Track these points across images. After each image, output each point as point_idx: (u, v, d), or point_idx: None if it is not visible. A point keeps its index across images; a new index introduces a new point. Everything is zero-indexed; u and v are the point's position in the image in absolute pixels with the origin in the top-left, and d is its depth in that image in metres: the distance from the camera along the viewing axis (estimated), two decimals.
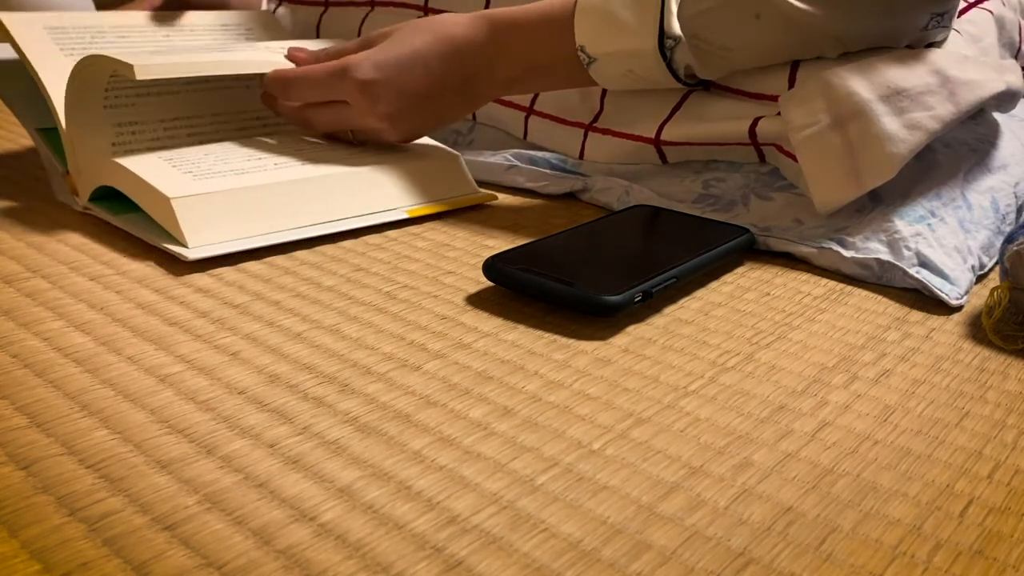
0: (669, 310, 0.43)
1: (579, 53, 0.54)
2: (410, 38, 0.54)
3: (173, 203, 0.46)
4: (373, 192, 0.53)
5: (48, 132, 0.57)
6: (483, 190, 0.59)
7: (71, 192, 0.54)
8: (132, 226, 0.49)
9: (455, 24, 0.55)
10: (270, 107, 0.59)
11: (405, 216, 0.53)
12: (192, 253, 0.45)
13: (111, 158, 0.50)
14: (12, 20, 0.56)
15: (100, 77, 0.51)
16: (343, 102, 0.55)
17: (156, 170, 0.48)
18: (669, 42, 0.51)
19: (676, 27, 0.51)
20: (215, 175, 0.49)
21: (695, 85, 0.56)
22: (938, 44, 0.53)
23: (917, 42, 0.51)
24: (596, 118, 0.61)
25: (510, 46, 0.54)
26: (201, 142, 0.58)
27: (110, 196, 0.51)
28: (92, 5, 0.98)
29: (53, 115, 0.53)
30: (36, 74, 0.54)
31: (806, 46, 0.50)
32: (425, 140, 0.61)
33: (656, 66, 0.53)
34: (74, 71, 0.50)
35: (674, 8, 0.51)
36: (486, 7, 0.66)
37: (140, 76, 0.48)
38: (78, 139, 0.51)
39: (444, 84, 0.55)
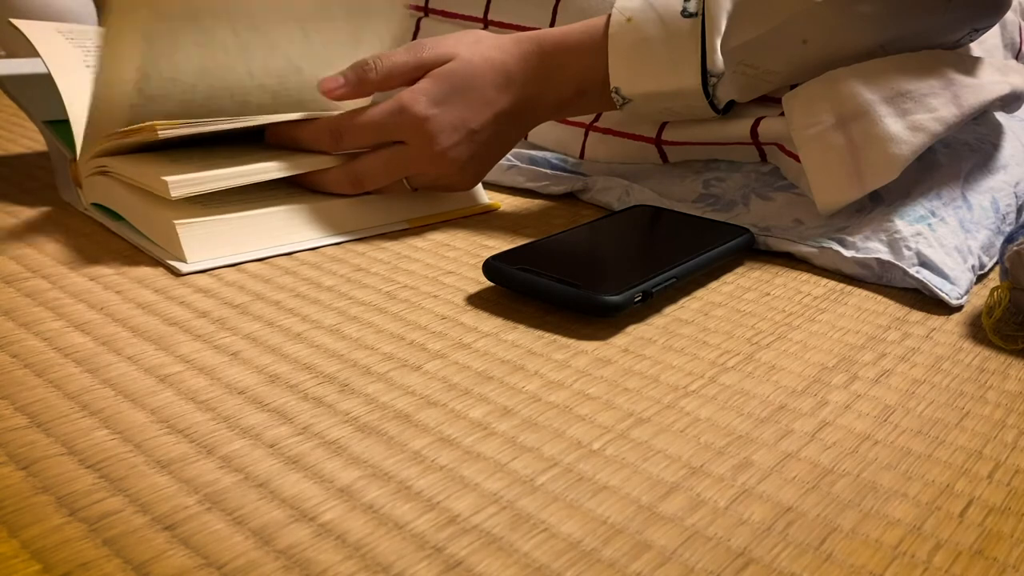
0: (669, 310, 0.43)
1: (613, 95, 0.53)
2: (462, 68, 0.51)
3: (178, 228, 0.46)
4: (380, 211, 0.53)
5: (55, 124, 0.57)
6: (487, 200, 0.59)
7: (75, 183, 0.54)
8: (131, 234, 0.49)
9: (503, 51, 0.52)
10: (310, 185, 0.53)
11: (405, 227, 0.53)
12: (187, 267, 0.45)
13: (116, 184, 0.50)
14: (25, 24, 0.56)
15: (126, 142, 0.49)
16: (397, 145, 0.51)
17: (160, 198, 0.48)
18: (712, 80, 0.51)
19: (720, 63, 0.50)
20: (222, 203, 0.49)
21: (726, 109, 0.55)
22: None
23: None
24: (597, 117, 0.61)
25: (561, 70, 0.52)
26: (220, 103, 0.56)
27: None
28: (93, 8, 0.98)
29: (63, 101, 0.52)
30: (45, 61, 0.54)
31: (848, 61, 0.50)
32: None
33: (697, 103, 0.52)
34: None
35: (717, 43, 0.50)
36: (486, 7, 0.66)
37: (175, 195, 0.45)
38: (88, 148, 0.51)
39: (501, 115, 0.52)
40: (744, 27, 0.49)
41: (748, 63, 0.50)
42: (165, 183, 0.45)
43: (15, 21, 0.56)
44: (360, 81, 0.51)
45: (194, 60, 0.51)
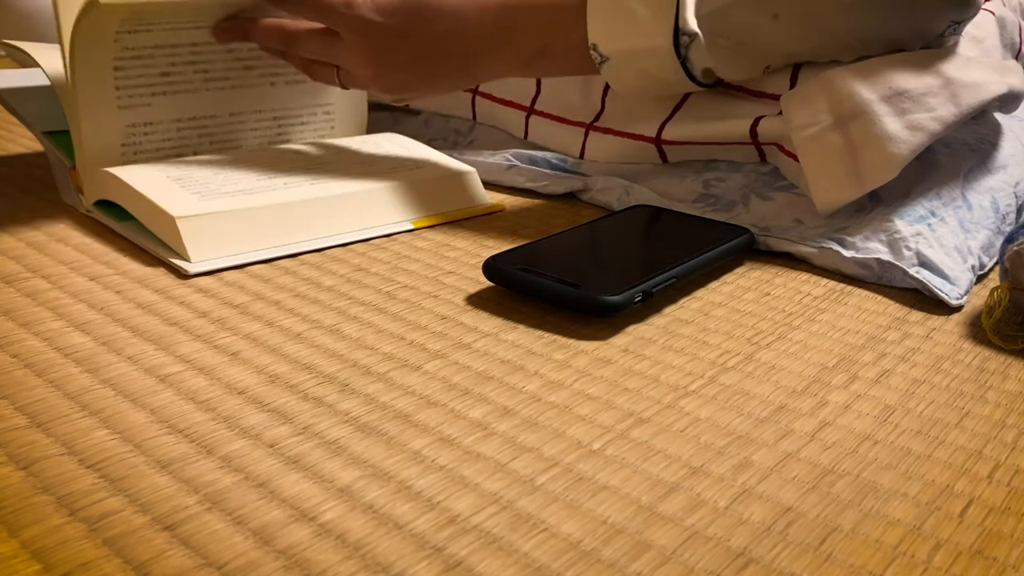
0: (669, 310, 0.43)
1: (591, 51, 0.53)
2: None
3: (179, 223, 0.46)
4: (383, 209, 0.53)
5: (55, 134, 0.58)
6: (491, 201, 0.59)
7: (76, 189, 0.54)
8: (135, 234, 0.49)
9: None
10: (241, 32, 0.56)
11: (410, 227, 0.53)
12: (193, 267, 0.45)
13: (118, 170, 0.50)
14: (24, 44, 0.57)
15: (105, 43, 0.51)
16: (335, 35, 0.54)
17: (162, 189, 0.48)
18: (684, 39, 0.50)
19: (692, 23, 0.50)
20: (223, 195, 0.49)
21: (710, 86, 0.55)
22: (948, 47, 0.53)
23: (930, 47, 0.51)
24: (597, 117, 0.61)
25: (520, 30, 0.53)
26: (212, 143, 0.57)
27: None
28: None
29: (65, 110, 0.53)
30: (44, 71, 0.54)
31: (824, 48, 0.50)
32: (440, 156, 0.60)
33: (670, 65, 0.51)
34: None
35: (690, 3, 0.50)
36: None
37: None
38: (88, 136, 0.52)
39: (444, 52, 0.53)
40: None
41: (720, 33, 0.50)
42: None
43: (15, 43, 0.57)
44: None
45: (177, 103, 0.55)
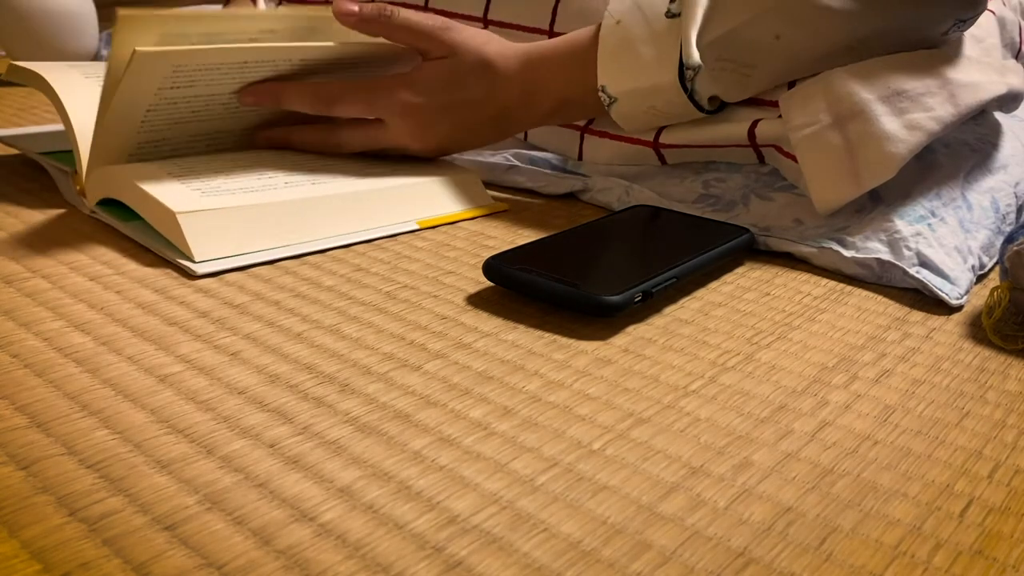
0: (669, 310, 0.43)
1: (600, 93, 0.54)
2: (460, 66, 0.55)
3: (179, 218, 0.45)
4: (385, 209, 0.53)
5: (50, 153, 0.59)
6: (495, 201, 0.59)
7: (78, 192, 0.54)
8: (141, 235, 0.49)
9: (504, 58, 0.56)
10: (281, 138, 0.58)
11: (415, 227, 0.53)
12: (201, 268, 0.45)
13: (120, 167, 0.50)
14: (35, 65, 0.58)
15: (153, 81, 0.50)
16: (378, 123, 0.56)
17: (164, 186, 0.48)
18: (689, 72, 0.51)
19: (695, 56, 0.51)
20: (224, 192, 0.48)
21: (717, 111, 0.55)
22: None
23: (934, 46, 0.51)
24: (592, 120, 0.61)
25: (543, 87, 0.56)
26: (220, 152, 0.57)
27: (119, 201, 0.51)
28: (93, 8, 0.98)
29: (66, 128, 0.54)
30: (53, 91, 0.54)
31: (827, 57, 0.50)
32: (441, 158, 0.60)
33: (678, 99, 0.53)
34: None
35: (692, 36, 0.51)
36: (486, 7, 0.66)
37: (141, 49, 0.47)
38: (97, 152, 0.51)
39: (482, 112, 0.56)
40: (718, 21, 0.50)
41: (725, 57, 0.51)
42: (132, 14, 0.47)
43: (23, 64, 0.57)
44: (375, 20, 0.54)
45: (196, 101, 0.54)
